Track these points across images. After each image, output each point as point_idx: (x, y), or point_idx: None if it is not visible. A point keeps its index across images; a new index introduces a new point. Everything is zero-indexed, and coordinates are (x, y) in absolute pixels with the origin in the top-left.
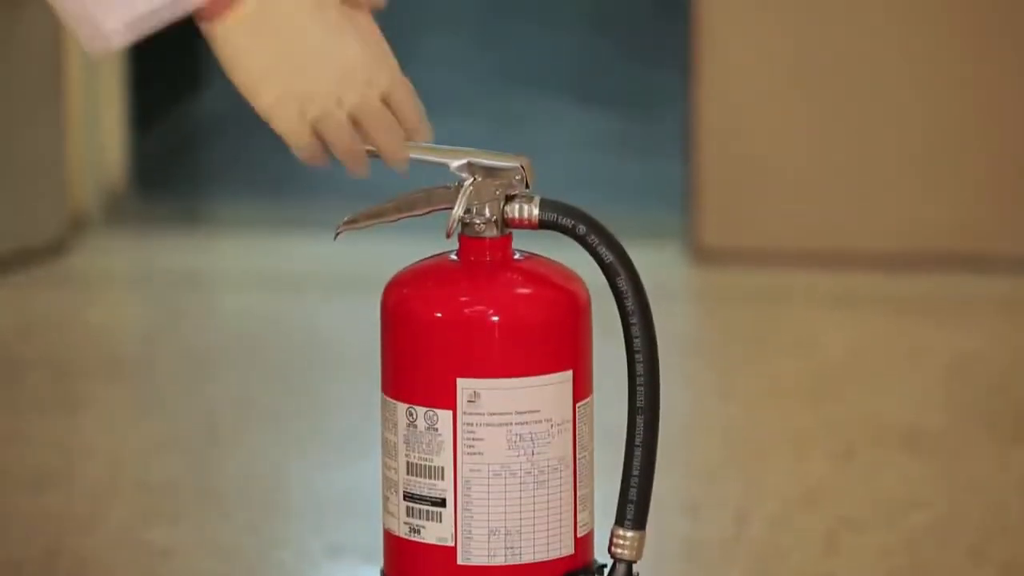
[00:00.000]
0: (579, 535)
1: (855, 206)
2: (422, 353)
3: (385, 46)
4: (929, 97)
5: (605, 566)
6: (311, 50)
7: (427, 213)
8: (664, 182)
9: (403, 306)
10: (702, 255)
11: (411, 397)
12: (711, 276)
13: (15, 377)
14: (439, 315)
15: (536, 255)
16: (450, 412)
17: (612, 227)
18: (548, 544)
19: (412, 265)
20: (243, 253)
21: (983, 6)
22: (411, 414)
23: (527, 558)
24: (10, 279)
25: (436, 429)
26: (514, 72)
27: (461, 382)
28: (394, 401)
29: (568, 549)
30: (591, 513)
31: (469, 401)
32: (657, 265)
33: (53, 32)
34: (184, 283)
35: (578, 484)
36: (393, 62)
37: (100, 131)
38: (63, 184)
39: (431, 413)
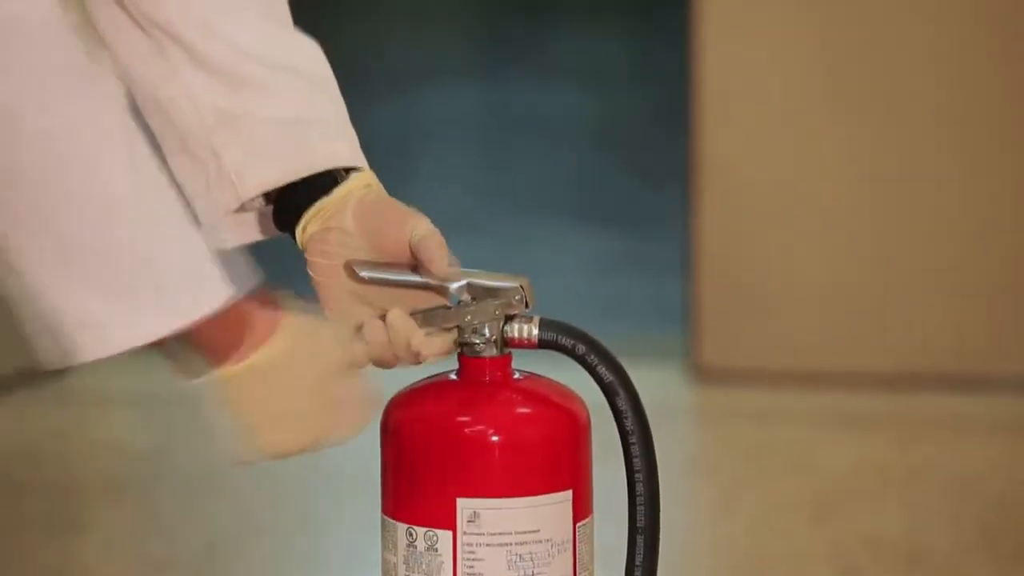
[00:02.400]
0: None
1: (854, 327)
2: (422, 473)
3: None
4: (928, 220)
5: None
6: (312, 409)
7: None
8: (665, 301)
9: (403, 426)
10: (703, 374)
11: (411, 517)
12: (711, 395)
13: (15, 498)
14: (439, 435)
15: (535, 374)
16: (450, 532)
17: (613, 346)
18: None
19: (412, 385)
20: None
21: (974, 125)
22: (411, 534)
23: None
24: (12, 398)
25: (436, 549)
26: (517, 191)
27: (461, 502)
28: (394, 521)
29: None
30: None
31: (469, 521)
32: (658, 384)
33: None
34: (185, 404)
35: None
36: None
37: None
38: None
39: (431, 533)
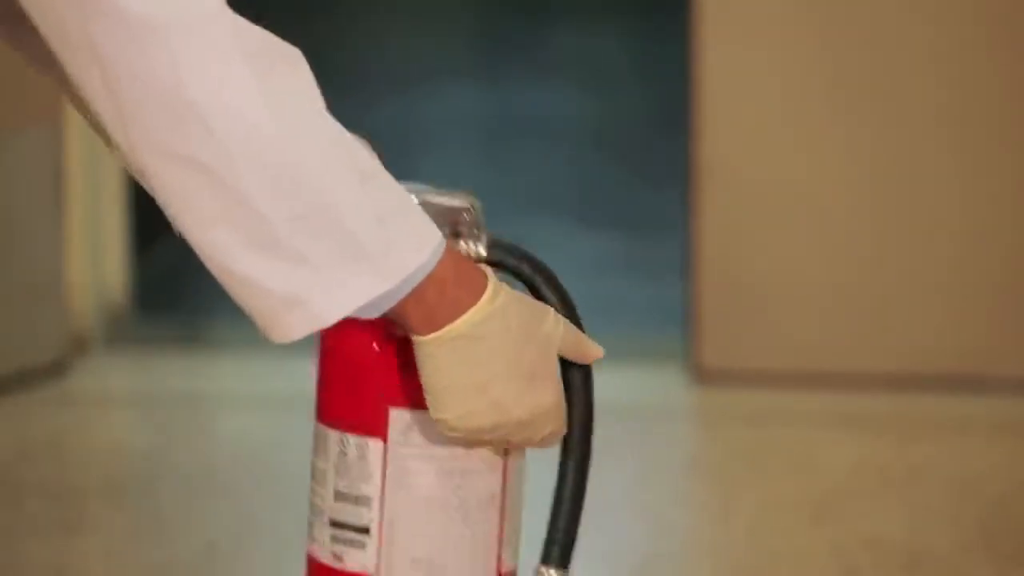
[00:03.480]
0: (503, 572)
1: (854, 328)
2: (357, 382)
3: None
4: (928, 221)
5: None
6: (507, 387)
7: None
8: (665, 304)
9: (340, 334)
10: (702, 376)
11: (344, 425)
12: (711, 397)
13: (15, 500)
14: (375, 344)
15: None
16: (381, 442)
17: (613, 347)
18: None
19: None
20: (244, 374)
21: (974, 125)
22: (343, 442)
23: None
24: (10, 400)
25: (366, 459)
26: (516, 192)
27: (394, 412)
28: (326, 428)
29: None
30: (516, 550)
31: (401, 432)
32: (658, 386)
33: (54, 153)
34: (185, 404)
35: (505, 522)
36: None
37: (101, 252)
38: (64, 305)
39: (362, 442)
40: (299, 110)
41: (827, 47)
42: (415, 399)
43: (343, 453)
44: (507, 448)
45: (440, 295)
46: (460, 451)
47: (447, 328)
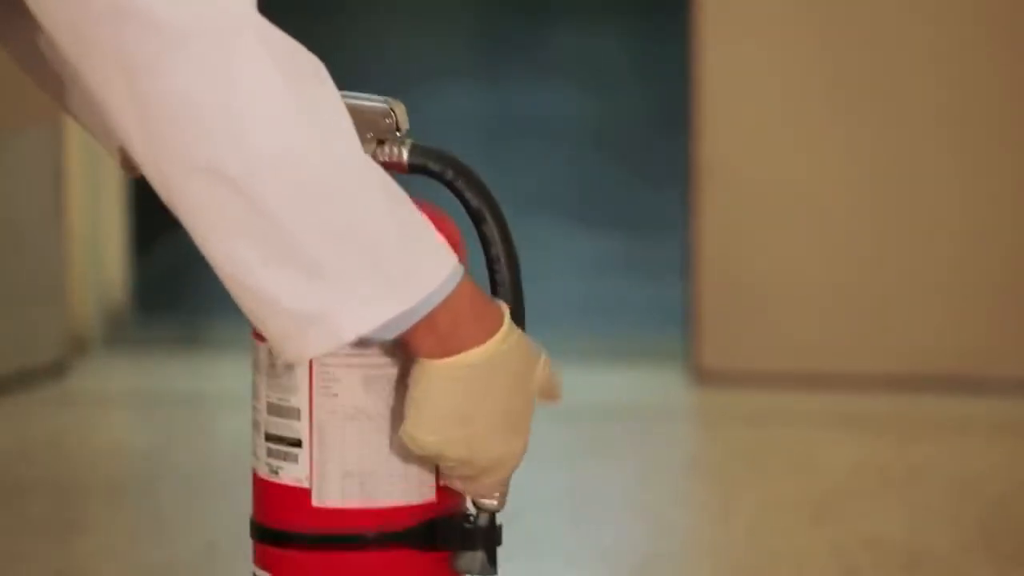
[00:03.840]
0: (442, 483)
1: (854, 329)
2: None
3: None
4: (928, 222)
5: (471, 515)
6: (491, 427)
7: None
8: (665, 304)
9: None
10: (702, 376)
11: None
12: (711, 397)
13: (15, 499)
14: None
15: (411, 198)
16: None
17: (613, 347)
18: (406, 489)
19: None
20: (243, 374)
21: (975, 125)
22: (272, 353)
23: (383, 501)
24: (11, 400)
25: (293, 369)
26: (516, 192)
27: None
28: (258, 340)
29: (428, 496)
30: None
31: None
32: (658, 386)
33: (54, 155)
34: (185, 404)
35: None
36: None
37: (101, 253)
38: (64, 306)
39: None
40: (329, 123)
41: (827, 47)
42: None
43: (272, 365)
44: (443, 479)
45: (453, 324)
46: (387, 359)
47: (458, 357)
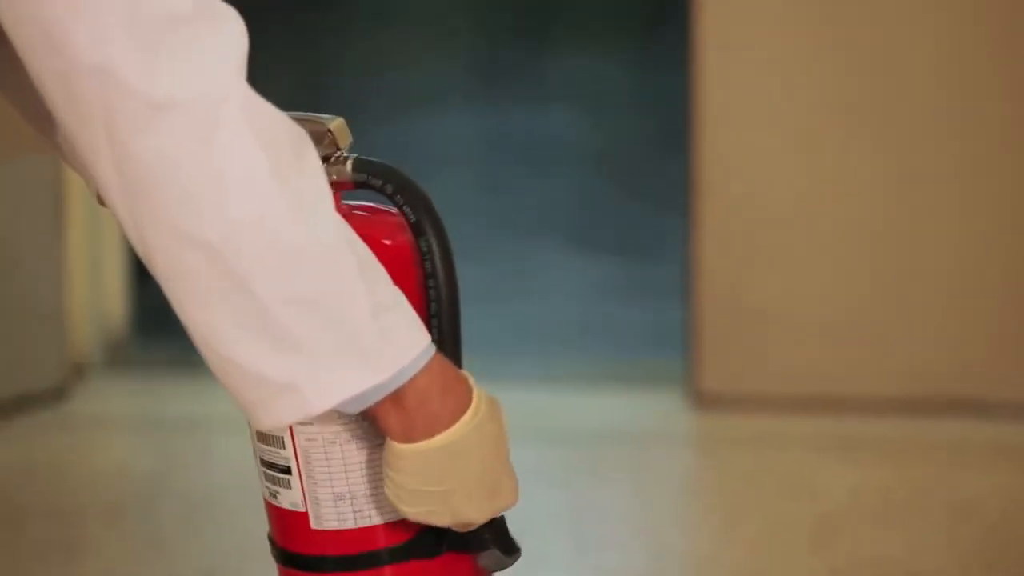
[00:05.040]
0: None
1: (854, 353)
2: None
3: None
4: (929, 246)
5: None
6: (471, 496)
7: None
8: (664, 328)
9: None
10: (702, 400)
11: None
12: (711, 421)
13: (15, 522)
14: None
15: (369, 207)
16: None
17: (612, 372)
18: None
19: None
20: None
21: (977, 151)
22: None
23: (377, 520)
24: (11, 424)
25: None
26: (516, 216)
27: None
28: None
29: None
30: None
31: None
32: (657, 410)
33: (54, 178)
34: (185, 428)
35: None
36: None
37: (101, 277)
38: (64, 330)
39: None
40: (307, 199)
41: (827, 69)
42: None
43: None
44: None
45: (421, 403)
46: None
47: (423, 443)
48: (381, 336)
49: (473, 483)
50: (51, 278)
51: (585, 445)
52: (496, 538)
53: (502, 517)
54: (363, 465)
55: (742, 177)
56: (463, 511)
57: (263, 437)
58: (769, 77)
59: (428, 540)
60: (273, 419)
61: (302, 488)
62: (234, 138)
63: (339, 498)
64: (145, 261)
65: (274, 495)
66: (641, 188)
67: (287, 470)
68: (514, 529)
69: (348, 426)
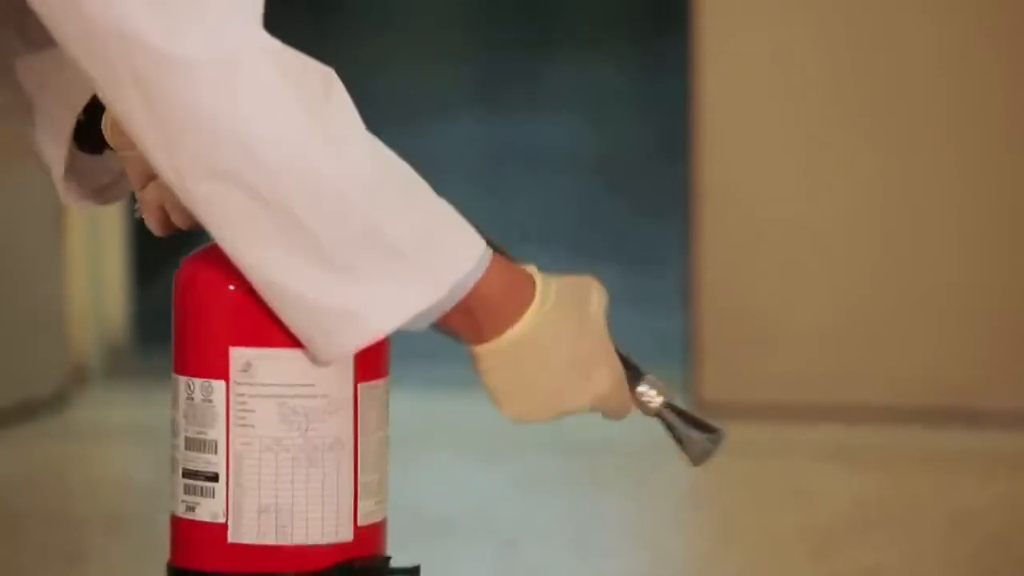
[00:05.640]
0: (361, 524)
1: (854, 361)
2: (201, 324)
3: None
4: (929, 255)
5: (389, 558)
6: (564, 385)
7: None
8: (665, 336)
9: (186, 278)
10: (702, 408)
11: (190, 369)
12: None
13: (16, 530)
14: (215, 285)
15: None
16: (223, 383)
17: None
18: (323, 528)
19: (206, 245)
20: None
21: (978, 159)
22: (189, 386)
23: (299, 539)
24: (12, 431)
25: (211, 400)
26: (517, 224)
27: (234, 351)
28: (177, 376)
29: (345, 536)
30: (382, 503)
31: (242, 371)
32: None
33: (55, 187)
34: None
35: (360, 469)
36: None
37: (101, 285)
38: (64, 338)
39: (206, 384)
40: (340, 130)
41: (829, 77)
42: (255, 337)
43: (190, 398)
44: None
45: (487, 306)
46: (303, 390)
47: (495, 341)
48: (434, 254)
49: (559, 369)
50: (52, 286)
51: (586, 454)
52: (690, 422)
53: (417, 568)
54: (293, 479)
55: (742, 185)
56: (560, 399)
57: (191, 444)
58: (769, 85)
59: (344, 572)
60: (338, 348)
61: (227, 497)
62: (261, 87)
63: (264, 510)
64: (193, 211)
65: (191, 508)
66: (641, 195)
67: (213, 477)
68: (514, 533)
69: (289, 434)
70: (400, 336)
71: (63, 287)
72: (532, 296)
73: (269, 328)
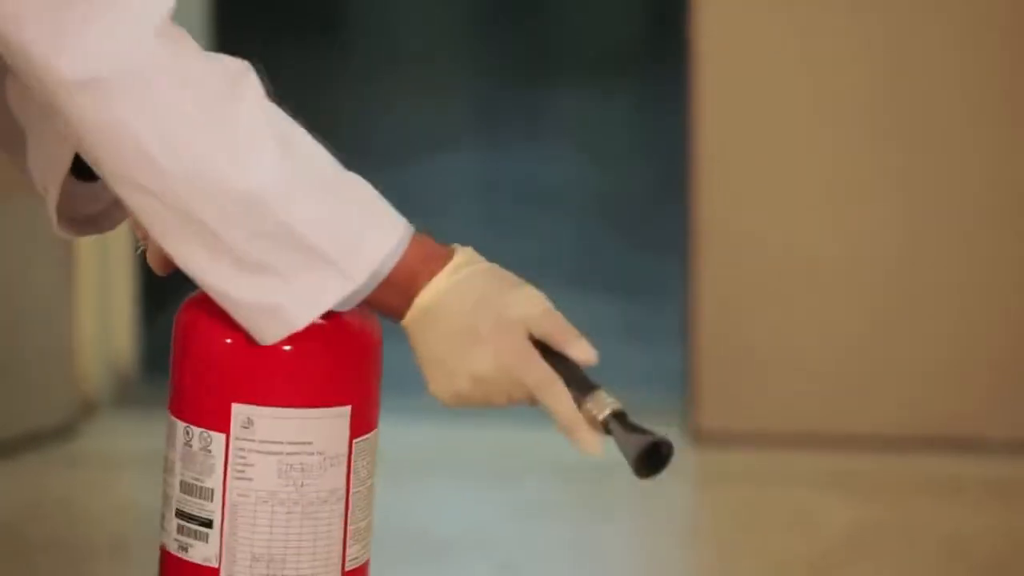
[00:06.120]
0: (348, 568)
1: (851, 391)
2: (203, 375)
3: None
4: (922, 287)
5: None
6: (448, 355)
7: None
8: (663, 369)
9: (189, 326)
10: (701, 438)
11: (189, 417)
12: (710, 458)
13: (25, 558)
14: (220, 338)
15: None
16: (224, 436)
17: None
18: (313, 574)
19: None
20: None
21: (969, 198)
22: (188, 433)
23: None
24: (21, 461)
25: (209, 451)
26: (516, 259)
27: (236, 407)
28: (175, 419)
29: None
30: (367, 546)
31: (243, 427)
32: None
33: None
34: None
35: (350, 518)
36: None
37: (110, 316)
38: (73, 368)
39: (206, 435)
40: (244, 132)
41: (828, 118)
42: (257, 394)
43: (188, 444)
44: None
45: (404, 283)
46: (301, 446)
47: (408, 313)
48: (348, 244)
49: (457, 339)
50: (60, 317)
51: (586, 481)
52: (638, 433)
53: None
54: (288, 530)
55: (740, 221)
56: (455, 371)
57: (187, 488)
58: (767, 122)
59: None
60: (269, 337)
61: (220, 543)
62: (154, 94)
63: (256, 559)
64: (128, 211)
65: (184, 548)
66: (640, 230)
67: (208, 523)
68: (514, 559)
69: (285, 488)
70: (402, 364)
71: (72, 318)
72: (446, 266)
73: (270, 385)
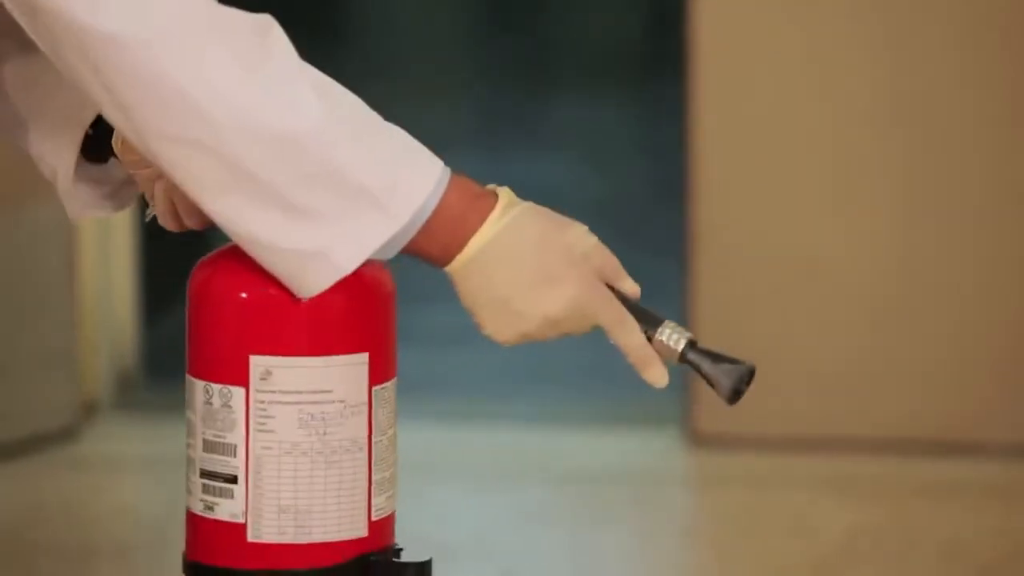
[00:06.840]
0: (374, 518)
1: (849, 394)
2: (219, 330)
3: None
4: (920, 289)
5: (401, 549)
6: (517, 296)
7: None
8: None
9: (203, 284)
10: (699, 440)
11: (208, 374)
12: (707, 461)
13: (27, 562)
14: (234, 292)
15: None
16: (243, 389)
17: (609, 412)
18: (339, 525)
19: (222, 248)
20: None
21: (971, 197)
22: (207, 391)
23: (317, 537)
24: (23, 464)
25: (230, 406)
26: None
27: (254, 359)
28: (193, 379)
29: (361, 531)
30: (392, 497)
31: (261, 378)
32: (654, 450)
33: (66, 223)
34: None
35: (374, 467)
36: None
37: (112, 319)
38: (75, 371)
39: (225, 390)
40: (281, 79)
41: (826, 122)
42: (274, 345)
43: (208, 403)
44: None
45: (449, 225)
46: (321, 396)
47: (459, 256)
48: (389, 185)
49: (522, 280)
50: (63, 320)
51: (584, 484)
52: (718, 361)
53: (429, 561)
54: (312, 480)
55: (739, 225)
56: (524, 312)
57: (210, 446)
58: (765, 127)
59: (354, 568)
60: (312, 286)
61: (246, 498)
62: (192, 49)
63: (283, 511)
64: (157, 165)
65: (210, 507)
66: (638, 234)
67: (232, 479)
68: (512, 565)
69: (308, 438)
70: (402, 367)
71: (74, 320)
72: (493, 207)
73: (287, 336)
